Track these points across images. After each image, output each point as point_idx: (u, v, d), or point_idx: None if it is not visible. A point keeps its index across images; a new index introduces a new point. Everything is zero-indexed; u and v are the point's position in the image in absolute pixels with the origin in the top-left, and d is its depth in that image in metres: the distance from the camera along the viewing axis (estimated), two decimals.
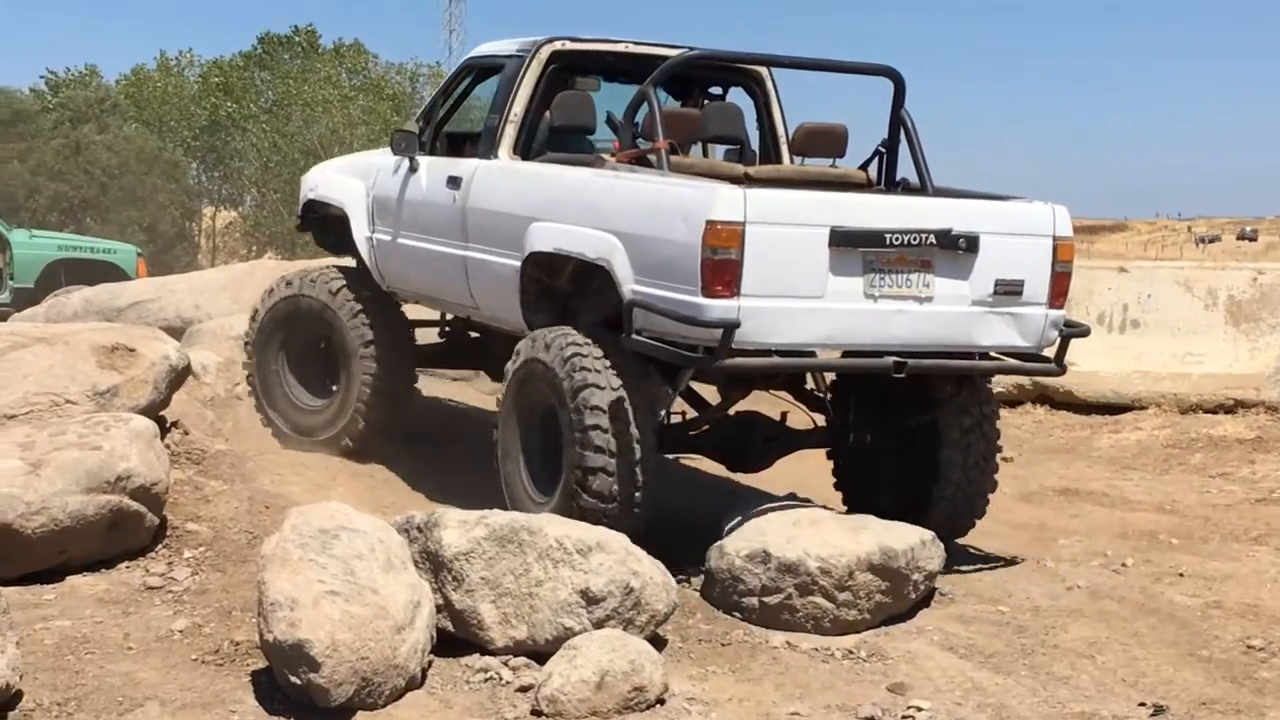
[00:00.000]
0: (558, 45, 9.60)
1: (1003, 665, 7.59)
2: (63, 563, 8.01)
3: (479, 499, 8.42)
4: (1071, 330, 8.80)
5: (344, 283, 10.79)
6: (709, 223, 7.71)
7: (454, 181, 9.71)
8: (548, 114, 9.53)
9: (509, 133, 9.50)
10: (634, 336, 8.10)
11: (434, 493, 9.96)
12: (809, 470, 10.18)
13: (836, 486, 9.91)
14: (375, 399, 10.61)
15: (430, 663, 6.97)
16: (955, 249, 8.24)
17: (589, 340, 8.39)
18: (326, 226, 11.38)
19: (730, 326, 7.73)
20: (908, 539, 8.14)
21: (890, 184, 9.37)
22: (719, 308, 7.74)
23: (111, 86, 54.94)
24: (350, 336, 10.63)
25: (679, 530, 8.44)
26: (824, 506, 8.96)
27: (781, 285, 7.88)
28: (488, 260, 9.36)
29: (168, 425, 9.68)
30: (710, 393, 9.80)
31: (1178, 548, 10.03)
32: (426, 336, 11.34)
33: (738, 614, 7.97)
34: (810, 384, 9.75)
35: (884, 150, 9.37)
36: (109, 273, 21.15)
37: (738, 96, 10.43)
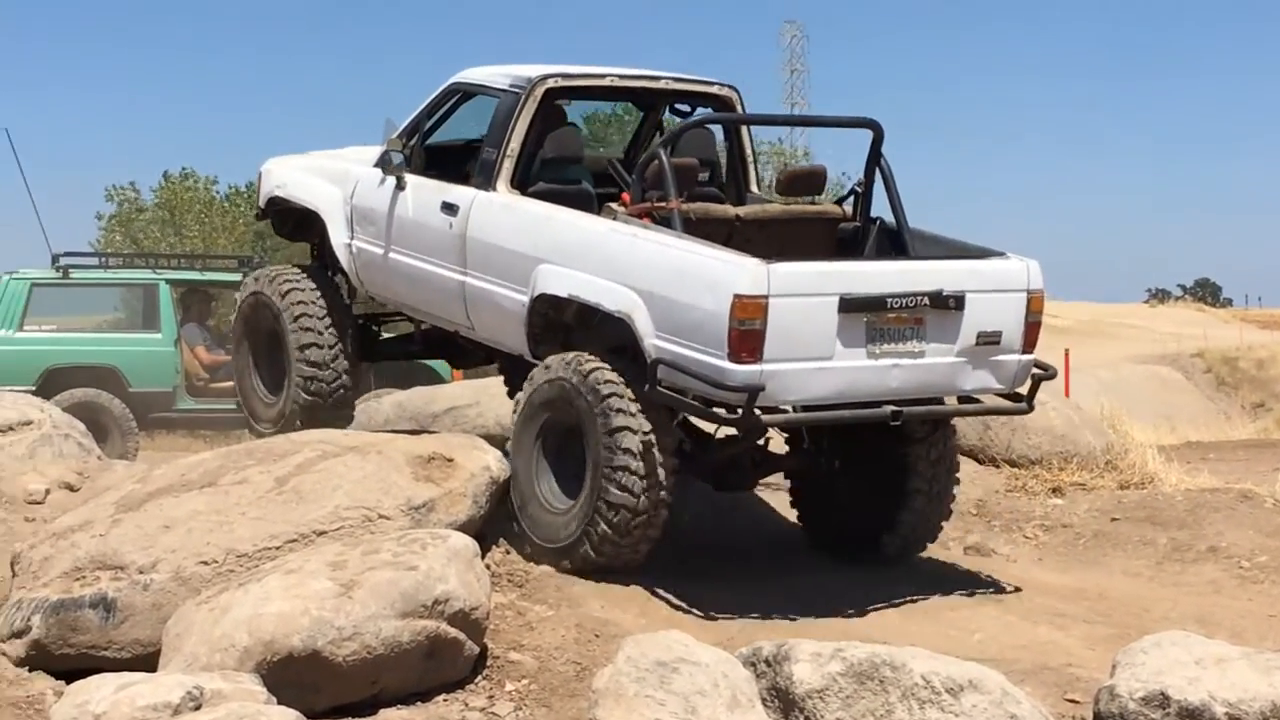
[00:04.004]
0: (550, 83, 10.24)
1: None
2: (375, 694, 7.61)
3: (826, 630, 7.76)
4: (1042, 374, 9.68)
5: (293, 284, 11.45)
6: (737, 296, 8.48)
7: (449, 208, 10.29)
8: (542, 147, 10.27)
9: (506, 167, 10.09)
10: (659, 389, 8.77)
11: (780, 618, 9.15)
12: None
13: (792, 504, 10.75)
14: (308, 381, 11.26)
15: None
16: (945, 307, 9.11)
17: (621, 379, 9.01)
18: (284, 217, 12.13)
19: (755, 390, 8.51)
20: None
21: (866, 220, 10.26)
22: (744, 373, 8.52)
23: None
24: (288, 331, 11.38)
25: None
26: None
27: (798, 349, 8.69)
28: (491, 290, 10.03)
29: (489, 543, 9.30)
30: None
31: None
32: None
33: None
34: None
35: (859, 190, 10.24)
36: (422, 375, 21.04)
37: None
